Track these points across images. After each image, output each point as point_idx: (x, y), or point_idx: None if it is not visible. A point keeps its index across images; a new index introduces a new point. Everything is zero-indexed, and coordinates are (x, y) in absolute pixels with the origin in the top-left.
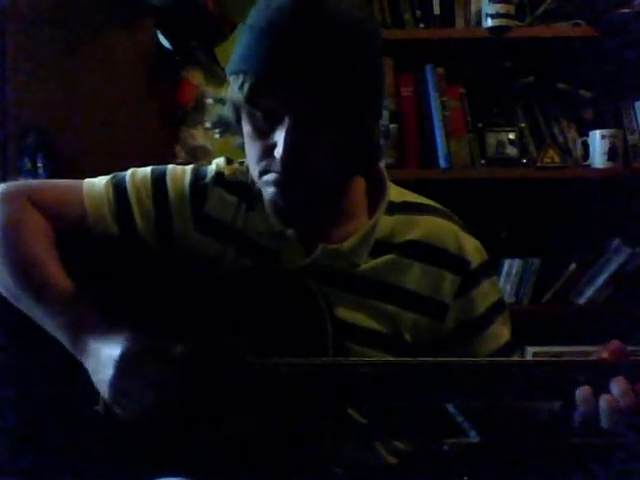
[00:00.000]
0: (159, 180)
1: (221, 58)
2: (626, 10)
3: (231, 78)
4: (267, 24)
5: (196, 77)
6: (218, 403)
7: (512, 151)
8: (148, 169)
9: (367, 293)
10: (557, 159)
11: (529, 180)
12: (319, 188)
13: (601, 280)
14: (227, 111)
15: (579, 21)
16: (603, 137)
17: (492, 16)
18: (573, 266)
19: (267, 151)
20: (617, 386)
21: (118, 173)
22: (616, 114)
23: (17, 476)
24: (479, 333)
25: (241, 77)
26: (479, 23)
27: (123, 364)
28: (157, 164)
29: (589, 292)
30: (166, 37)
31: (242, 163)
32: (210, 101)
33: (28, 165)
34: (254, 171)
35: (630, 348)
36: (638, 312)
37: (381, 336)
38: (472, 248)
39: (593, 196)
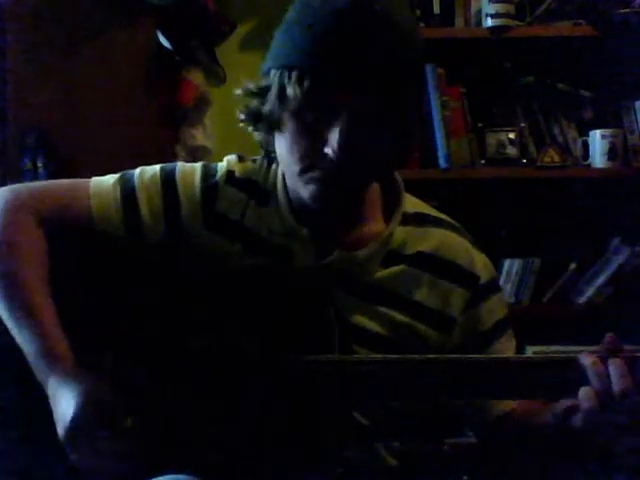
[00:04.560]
0: (169, 179)
1: (221, 58)
2: (626, 10)
3: (276, 72)
4: (324, 19)
5: (196, 77)
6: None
7: (512, 151)
8: (157, 167)
9: (378, 301)
10: (557, 159)
11: (529, 180)
12: (365, 181)
13: (601, 280)
14: (268, 105)
15: (579, 21)
16: (603, 137)
17: (492, 16)
18: (573, 266)
19: (314, 148)
20: (614, 367)
21: (127, 172)
22: (616, 114)
23: (20, 475)
24: (485, 348)
25: (296, 72)
26: (479, 23)
27: (71, 429)
28: (158, 164)
29: (589, 292)
30: (166, 37)
31: (254, 161)
32: (238, 92)
33: (28, 165)
34: (292, 168)
35: (629, 348)
36: (638, 312)
37: (389, 342)
38: (481, 264)
39: (593, 196)
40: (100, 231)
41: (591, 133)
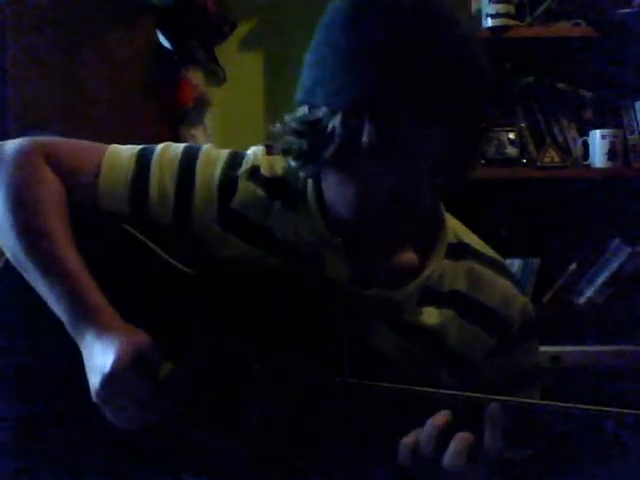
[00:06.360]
0: (188, 163)
1: (221, 58)
2: (626, 10)
3: (336, 108)
4: (401, 44)
5: (196, 77)
6: (217, 413)
7: (512, 151)
8: (181, 147)
9: (410, 339)
10: (557, 159)
11: (529, 180)
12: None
13: (601, 280)
14: (329, 144)
15: (579, 21)
16: (603, 137)
17: (492, 16)
18: (573, 266)
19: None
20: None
21: (150, 146)
22: (616, 114)
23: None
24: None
25: (375, 110)
26: (479, 23)
27: (109, 378)
28: None
29: (589, 292)
30: (166, 37)
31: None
32: (282, 126)
33: None
34: (354, 206)
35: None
36: (638, 312)
37: (408, 378)
38: (518, 309)
39: (593, 196)
40: (102, 205)
41: (591, 133)
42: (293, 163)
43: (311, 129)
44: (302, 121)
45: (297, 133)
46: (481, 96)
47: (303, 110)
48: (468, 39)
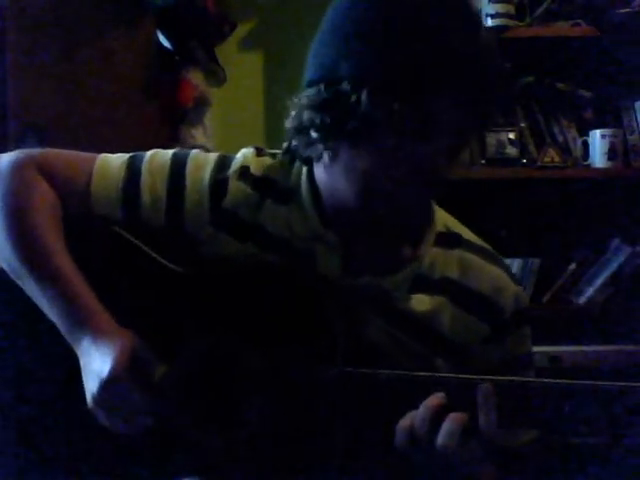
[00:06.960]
0: (178, 167)
1: (221, 58)
2: (626, 10)
3: (360, 82)
4: (423, 30)
5: (196, 77)
6: (214, 413)
7: (512, 151)
8: (170, 153)
9: (402, 329)
10: (557, 159)
11: (529, 180)
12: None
13: (601, 280)
14: (352, 117)
15: (579, 21)
16: (603, 137)
17: (492, 16)
18: (573, 266)
19: (402, 159)
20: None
21: (139, 153)
22: (616, 114)
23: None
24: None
25: (395, 83)
26: None
27: (107, 383)
28: None
29: (589, 292)
30: (166, 37)
31: (274, 156)
32: (295, 102)
33: None
34: (361, 189)
35: (630, 348)
36: (638, 312)
37: (400, 369)
38: (511, 296)
39: (593, 196)
40: (96, 212)
41: (591, 133)
42: (314, 135)
43: (334, 102)
44: (324, 95)
45: (317, 108)
46: (502, 77)
47: (318, 88)
48: (481, 22)
